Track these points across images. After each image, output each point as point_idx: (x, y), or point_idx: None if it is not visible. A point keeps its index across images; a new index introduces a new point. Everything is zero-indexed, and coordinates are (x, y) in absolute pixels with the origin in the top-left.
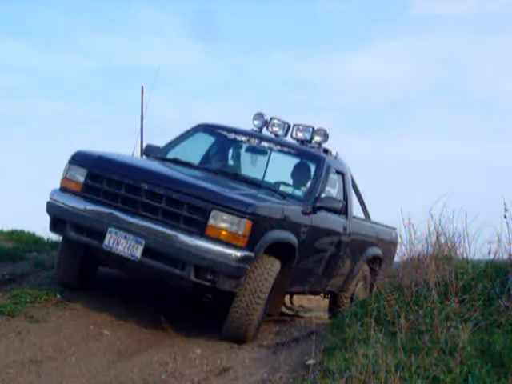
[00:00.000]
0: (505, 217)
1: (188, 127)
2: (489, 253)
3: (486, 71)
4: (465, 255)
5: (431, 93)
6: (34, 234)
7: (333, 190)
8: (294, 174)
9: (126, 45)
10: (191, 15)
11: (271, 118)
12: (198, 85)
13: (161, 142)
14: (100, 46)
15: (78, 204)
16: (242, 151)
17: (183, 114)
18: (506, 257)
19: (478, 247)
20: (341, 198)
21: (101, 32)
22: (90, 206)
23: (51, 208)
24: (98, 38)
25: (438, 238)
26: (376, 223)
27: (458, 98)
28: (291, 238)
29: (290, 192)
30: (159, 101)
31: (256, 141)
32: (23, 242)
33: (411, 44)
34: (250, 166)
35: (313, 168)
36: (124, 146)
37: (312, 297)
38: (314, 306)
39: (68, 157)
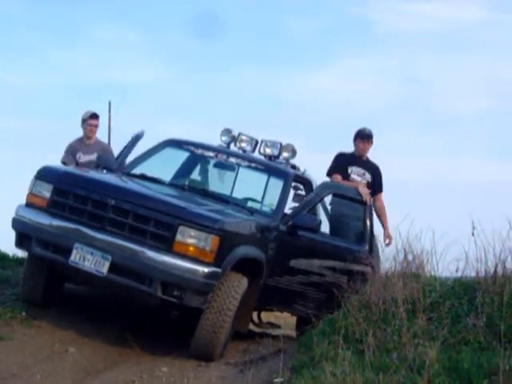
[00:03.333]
0: (472, 234)
1: (155, 143)
2: (456, 270)
3: (449, 89)
4: (432, 273)
5: (396, 110)
6: None
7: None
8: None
9: (91, 60)
10: (156, 32)
11: (239, 134)
12: (164, 101)
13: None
14: (64, 62)
15: (44, 220)
16: (210, 167)
17: (149, 130)
18: (473, 274)
19: (446, 265)
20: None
21: (63, 47)
22: (56, 222)
23: (17, 224)
24: (60, 53)
25: (405, 255)
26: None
27: (421, 115)
28: (259, 254)
29: (258, 208)
30: (125, 117)
31: (224, 156)
32: None
33: (376, 62)
34: (218, 182)
35: (280, 184)
36: None
37: (280, 314)
38: (281, 323)
39: (34, 172)
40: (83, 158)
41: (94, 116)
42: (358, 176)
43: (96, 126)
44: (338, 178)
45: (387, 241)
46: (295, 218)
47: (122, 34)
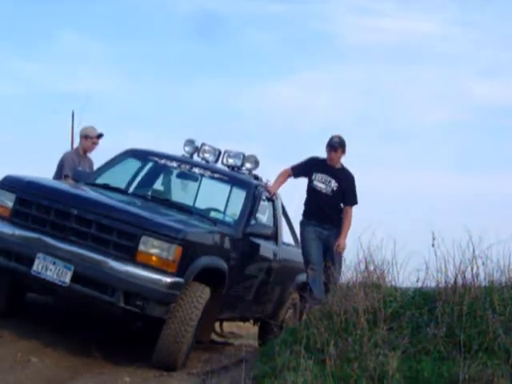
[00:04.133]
0: (432, 245)
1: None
2: (417, 281)
3: (408, 102)
4: (393, 283)
5: (354, 122)
6: None
7: (263, 216)
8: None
9: (51, 71)
10: (116, 42)
11: (202, 144)
12: (126, 112)
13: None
14: (24, 72)
15: (7, 229)
16: (173, 177)
17: (112, 141)
18: (433, 284)
19: (407, 275)
20: (271, 224)
21: (25, 58)
22: (19, 231)
23: None
24: (22, 63)
25: (366, 265)
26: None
27: (380, 128)
28: (221, 264)
29: (221, 218)
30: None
31: (187, 167)
32: None
33: (336, 74)
34: (181, 192)
35: (243, 194)
36: (50, 173)
37: (242, 324)
38: (243, 332)
39: None
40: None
41: (101, 136)
42: (322, 183)
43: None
44: (286, 172)
45: (336, 246)
46: (249, 227)
47: (84, 44)
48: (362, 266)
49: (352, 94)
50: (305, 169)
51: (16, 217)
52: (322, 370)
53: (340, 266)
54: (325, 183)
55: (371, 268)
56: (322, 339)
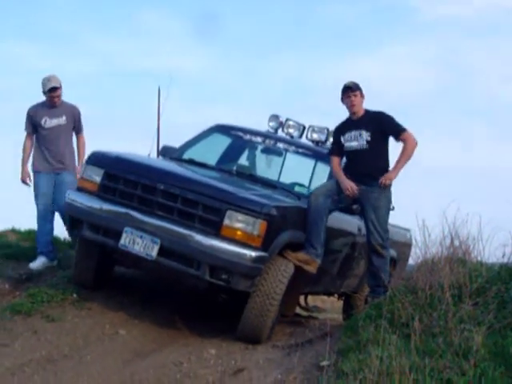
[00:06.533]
0: None
1: (201, 129)
2: (503, 256)
3: (492, 76)
4: (479, 258)
5: (435, 96)
6: None
7: None
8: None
9: (132, 48)
10: (197, 19)
11: (286, 120)
12: (209, 88)
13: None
14: (106, 50)
15: (95, 204)
16: (258, 152)
17: (194, 117)
18: None
19: (492, 250)
20: None
21: (107, 36)
22: (107, 206)
23: (68, 208)
24: (104, 41)
25: (452, 240)
26: (390, 224)
27: (464, 102)
28: None
29: (305, 193)
30: (169, 104)
31: (271, 142)
32: None
33: (416, 48)
34: (266, 167)
35: (327, 169)
36: (136, 148)
37: (326, 298)
38: (328, 306)
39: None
40: (49, 122)
41: (53, 89)
42: (353, 140)
43: (59, 97)
44: (335, 162)
45: (383, 178)
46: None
47: (166, 21)
48: (448, 241)
49: (435, 68)
50: (338, 142)
51: (104, 192)
52: (406, 345)
53: (383, 225)
54: (356, 139)
55: (456, 243)
56: (406, 314)
